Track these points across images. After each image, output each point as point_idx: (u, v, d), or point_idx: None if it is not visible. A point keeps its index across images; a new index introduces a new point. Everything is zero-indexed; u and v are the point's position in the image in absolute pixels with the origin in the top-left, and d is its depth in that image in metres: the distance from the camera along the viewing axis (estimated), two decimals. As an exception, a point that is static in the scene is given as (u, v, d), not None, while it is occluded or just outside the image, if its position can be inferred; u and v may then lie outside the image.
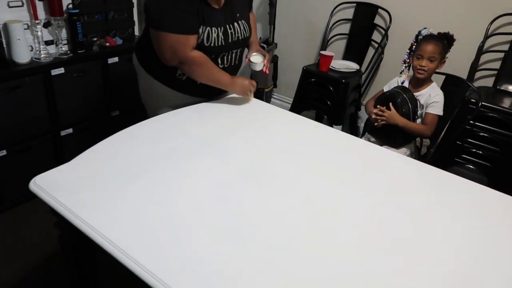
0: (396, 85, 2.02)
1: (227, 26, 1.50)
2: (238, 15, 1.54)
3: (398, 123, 1.84)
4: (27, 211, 1.98)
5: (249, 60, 1.64)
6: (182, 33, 1.39)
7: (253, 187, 1.12)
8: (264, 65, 1.65)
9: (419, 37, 1.92)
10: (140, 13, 2.50)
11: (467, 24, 2.27)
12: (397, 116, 1.84)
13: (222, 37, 1.48)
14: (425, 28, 1.94)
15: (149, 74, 1.59)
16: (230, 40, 1.52)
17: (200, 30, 1.42)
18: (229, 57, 1.58)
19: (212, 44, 1.46)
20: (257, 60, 1.64)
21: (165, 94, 1.60)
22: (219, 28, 1.46)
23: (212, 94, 1.65)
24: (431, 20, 2.38)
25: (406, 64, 2.03)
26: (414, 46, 1.95)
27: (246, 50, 1.71)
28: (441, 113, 1.86)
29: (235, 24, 1.53)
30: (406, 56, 2.02)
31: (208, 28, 1.43)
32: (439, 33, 1.89)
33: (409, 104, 1.86)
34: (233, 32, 1.52)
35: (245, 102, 1.66)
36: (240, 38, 1.56)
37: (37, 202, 1.02)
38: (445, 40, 1.87)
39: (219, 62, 1.55)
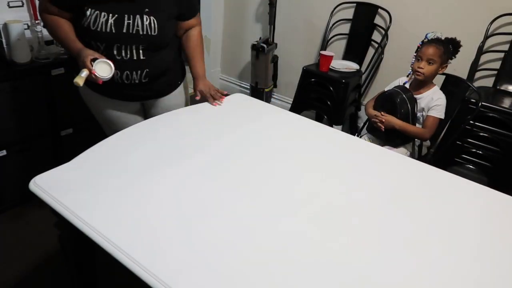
0: (398, 83, 2.02)
1: (125, 16, 1.39)
2: (146, 10, 1.41)
3: (396, 127, 1.85)
4: (27, 211, 1.98)
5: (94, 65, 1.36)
6: None
7: (253, 187, 1.12)
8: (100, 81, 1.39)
9: (424, 40, 1.92)
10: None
11: (467, 24, 2.27)
12: (394, 120, 1.86)
13: (113, 23, 1.38)
14: (432, 32, 1.93)
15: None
16: (124, 31, 1.40)
17: (88, 12, 1.36)
18: (128, 50, 1.44)
19: (99, 29, 1.37)
20: (101, 71, 1.37)
21: (99, 102, 1.58)
22: (110, 15, 1.37)
23: (144, 97, 1.59)
24: (431, 20, 2.38)
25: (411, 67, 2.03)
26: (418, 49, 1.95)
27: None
28: (442, 116, 1.87)
29: (137, 16, 1.41)
30: (413, 60, 2.00)
31: (97, 11, 1.36)
32: (446, 38, 1.88)
33: (408, 105, 1.86)
34: (130, 24, 1.40)
35: (244, 102, 1.66)
36: (140, 33, 1.42)
37: (37, 202, 1.02)
38: (451, 45, 1.85)
39: (115, 53, 1.43)
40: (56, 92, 1.99)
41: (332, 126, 2.39)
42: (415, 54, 1.97)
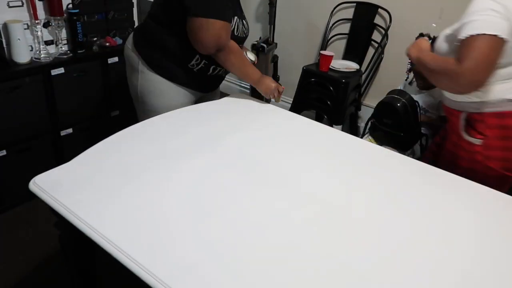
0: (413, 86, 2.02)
1: (242, 19, 1.55)
2: (242, 14, 1.58)
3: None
4: (27, 211, 1.98)
5: (245, 52, 1.66)
6: (226, 20, 1.40)
7: (253, 187, 1.12)
8: (255, 63, 1.70)
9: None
10: (140, 12, 2.50)
11: (467, 24, 2.27)
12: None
13: (242, 28, 1.54)
14: (422, 35, 1.93)
15: (153, 69, 1.55)
16: (245, 34, 1.58)
17: (234, 20, 1.47)
18: None
19: (239, 34, 1.52)
20: (251, 57, 1.70)
21: (166, 91, 1.58)
22: (240, 21, 1.52)
23: (215, 87, 1.72)
24: (431, 20, 2.38)
25: (408, 71, 2.03)
26: None
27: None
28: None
29: (243, 20, 1.58)
30: (408, 64, 2.00)
31: (237, 18, 1.49)
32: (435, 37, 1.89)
33: (409, 107, 1.87)
34: (245, 26, 1.57)
35: (244, 102, 1.66)
36: (246, 34, 1.60)
37: (37, 202, 1.02)
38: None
39: None
40: (56, 92, 2.00)
41: (332, 126, 2.39)
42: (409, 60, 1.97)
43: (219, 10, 1.38)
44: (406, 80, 2.05)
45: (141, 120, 1.46)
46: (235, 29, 1.49)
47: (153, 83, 1.57)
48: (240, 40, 1.55)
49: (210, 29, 1.39)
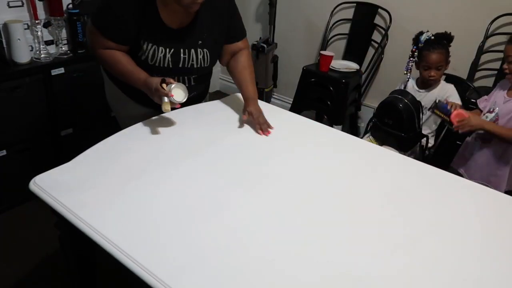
0: (409, 85, 2.02)
1: (181, 50, 1.39)
2: (200, 42, 1.41)
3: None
4: (27, 211, 1.98)
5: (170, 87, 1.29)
6: (101, 33, 1.33)
7: (252, 187, 1.12)
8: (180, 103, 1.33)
9: (420, 44, 1.91)
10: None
11: (467, 24, 2.27)
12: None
13: (170, 59, 1.38)
14: (422, 34, 1.93)
15: (111, 80, 1.53)
16: (180, 65, 1.41)
17: (145, 47, 1.35)
18: (181, 80, 1.45)
19: (157, 64, 1.38)
20: (178, 97, 1.30)
21: (126, 103, 1.54)
22: (167, 49, 1.37)
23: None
24: (431, 20, 2.38)
25: (408, 69, 2.02)
26: (415, 54, 1.94)
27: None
28: (459, 102, 1.87)
29: (192, 50, 1.41)
30: (408, 61, 2.00)
31: (155, 46, 1.35)
32: (437, 35, 1.89)
33: (412, 108, 1.86)
34: (186, 58, 1.41)
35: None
36: (194, 66, 1.43)
37: (37, 202, 1.02)
38: (445, 41, 1.88)
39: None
40: (56, 92, 2.00)
41: (332, 126, 2.39)
42: (412, 58, 1.97)
43: (102, 21, 1.33)
44: (408, 80, 2.04)
45: (122, 127, 1.42)
46: (149, 57, 1.36)
47: (114, 93, 1.55)
48: (170, 71, 1.40)
49: (87, 32, 1.41)
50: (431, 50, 1.87)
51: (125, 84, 1.43)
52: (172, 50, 1.38)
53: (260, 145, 1.34)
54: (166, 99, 1.26)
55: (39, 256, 1.74)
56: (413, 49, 1.95)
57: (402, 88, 2.04)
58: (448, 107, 1.63)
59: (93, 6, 1.40)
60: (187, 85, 1.46)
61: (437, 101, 1.72)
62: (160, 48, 1.36)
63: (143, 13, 1.31)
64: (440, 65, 1.88)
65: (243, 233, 0.95)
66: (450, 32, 1.88)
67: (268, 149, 1.32)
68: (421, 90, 1.98)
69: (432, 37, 1.89)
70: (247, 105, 1.49)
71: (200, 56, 1.43)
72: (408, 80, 2.03)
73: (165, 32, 1.35)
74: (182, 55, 1.40)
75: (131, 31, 1.33)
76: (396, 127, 1.88)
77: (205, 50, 1.43)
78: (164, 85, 1.28)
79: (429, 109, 1.86)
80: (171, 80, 1.30)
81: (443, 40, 1.88)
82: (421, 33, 1.94)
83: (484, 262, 0.94)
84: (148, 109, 1.48)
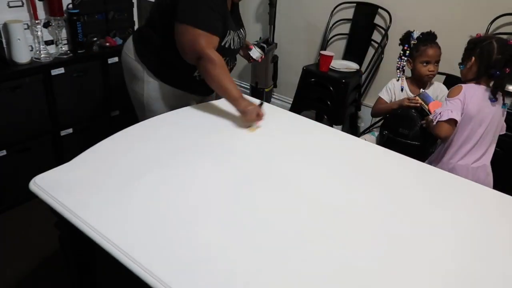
0: (394, 89, 2.01)
1: (238, 31, 1.58)
2: (240, 22, 1.63)
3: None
4: (27, 211, 1.98)
5: (254, 47, 1.77)
6: (206, 30, 1.39)
7: (252, 187, 1.12)
8: (262, 57, 1.79)
9: (412, 41, 1.91)
10: (140, 12, 2.49)
11: (467, 24, 2.27)
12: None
13: (238, 40, 1.57)
14: (411, 32, 1.93)
15: (158, 78, 1.57)
16: (241, 44, 1.61)
17: (228, 34, 1.49)
18: (234, 61, 1.66)
19: (235, 47, 1.55)
20: (259, 50, 1.79)
21: (173, 96, 1.61)
22: (237, 32, 1.56)
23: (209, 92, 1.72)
24: (431, 20, 2.37)
25: (400, 69, 2.00)
26: (407, 52, 1.94)
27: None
28: None
29: (241, 30, 1.61)
30: (398, 61, 1.99)
31: (232, 32, 1.51)
32: (427, 33, 1.89)
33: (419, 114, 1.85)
34: (241, 38, 1.60)
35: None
36: (241, 44, 1.63)
37: (37, 202, 1.02)
38: (430, 37, 1.90)
39: (229, 63, 1.61)
40: (56, 92, 2.00)
41: (332, 126, 2.39)
42: (404, 57, 1.96)
43: (204, 20, 1.39)
44: (397, 80, 2.02)
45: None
46: (231, 43, 1.52)
47: (160, 91, 1.60)
48: (236, 52, 1.61)
49: (186, 35, 1.41)
50: (429, 44, 1.86)
51: (177, 77, 1.58)
52: (236, 32, 1.56)
53: (260, 145, 1.34)
54: (255, 125, 1.44)
55: (39, 256, 1.74)
56: (405, 47, 1.94)
57: (390, 93, 2.02)
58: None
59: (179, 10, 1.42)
60: (230, 65, 1.65)
61: (421, 91, 1.82)
62: (236, 32, 1.55)
63: (224, 2, 1.45)
64: (438, 59, 1.88)
65: (242, 233, 0.95)
66: (434, 32, 1.90)
67: (268, 149, 1.32)
68: (415, 94, 1.98)
69: (421, 36, 1.90)
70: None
71: (243, 34, 1.64)
72: (402, 87, 2.00)
73: (231, 18, 1.52)
74: (240, 35, 1.60)
75: (221, 21, 1.45)
76: (412, 137, 1.84)
77: (242, 28, 1.64)
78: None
79: (415, 96, 1.88)
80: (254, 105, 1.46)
81: (429, 36, 1.89)
82: (409, 32, 1.94)
83: (484, 262, 0.94)
84: (197, 97, 1.69)
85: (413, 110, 1.85)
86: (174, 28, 1.43)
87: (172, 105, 1.61)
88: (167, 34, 1.47)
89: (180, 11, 1.40)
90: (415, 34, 1.91)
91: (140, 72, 1.58)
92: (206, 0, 1.39)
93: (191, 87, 1.63)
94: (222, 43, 1.48)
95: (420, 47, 1.89)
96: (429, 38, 1.88)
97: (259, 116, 1.42)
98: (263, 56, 1.80)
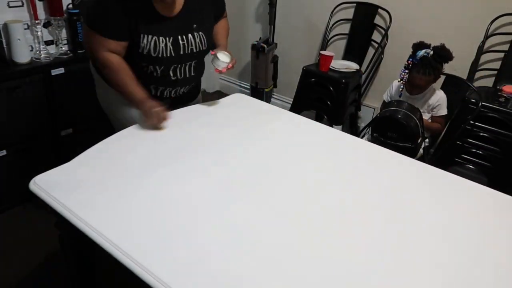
0: (396, 90, 2.03)
1: (178, 36, 1.41)
2: (194, 26, 1.44)
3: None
4: (27, 211, 1.98)
5: (215, 55, 1.49)
6: (99, 34, 1.32)
7: (252, 187, 1.12)
8: (228, 68, 1.50)
9: (416, 59, 1.92)
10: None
11: (467, 24, 2.27)
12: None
13: (171, 47, 1.40)
14: (421, 47, 1.91)
15: (107, 82, 1.48)
16: (181, 52, 1.43)
17: (145, 40, 1.35)
18: (182, 69, 1.48)
19: (160, 55, 1.38)
20: (223, 58, 1.50)
21: (123, 105, 1.49)
22: (167, 38, 1.38)
23: (178, 105, 1.57)
24: (431, 20, 2.38)
25: (403, 80, 2.03)
26: (410, 66, 1.96)
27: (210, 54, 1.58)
28: (446, 112, 1.95)
29: (189, 35, 1.43)
30: (402, 72, 2.01)
31: (155, 37, 1.36)
32: (436, 51, 1.88)
33: (413, 116, 1.84)
34: (185, 44, 1.43)
35: (244, 102, 1.66)
36: (194, 50, 1.46)
37: (37, 202, 1.02)
38: (442, 60, 1.89)
39: (171, 74, 1.46)
40: (56, 92, 2.00)
41: (332, 126, 2.39)
42: (406, 70, 1.98)
43: (98, 22, 1.32)
44: (401, 90, 2.03)
45: (116, 130, 1.41)
46: (151, 49, 1.36)
47: (113, 95, 1.50)
48: (171, 60, 1.42)
49: (85, 36, 1.38)
50: (421, 73, 1.90)
51: None
52: (171, 39, 1.39)
53: (259, 145, 1.34)
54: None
55: (39, 256, 1.74)
56: (409, 61, 1.96)
57: (393, 94, 2.04)
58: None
59: (84, 8, 1.38)
60: (187, 75, 1.51)
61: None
62: (161, 38, 1.37)
63: (138, 5, 1.31)
64: (424, 86, 1.95)
65: (243, 233, 0.95)
66: (452, 52, 1.88)
67: (268, 148, 1.32)
68: (413, 96, 2.00)
69: (431, 54, 1.88)
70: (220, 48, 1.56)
71: (197, 40, 1.46)
72: (401, 90, 2.03)
73: (162, 22, 1.36)
74: (180, 41, 1.41)
75: (127, 25, 1.32)
76: (401, 139, 1.86)
77: (200, 33, 1.46)
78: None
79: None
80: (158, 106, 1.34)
81: (440, 59, 1.88)
82: (421, 45, 1.92)
83: (483, 262, 0.94)
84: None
85: (399, 115, 1.83)
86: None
87: (131, 111, 1.48)
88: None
89: (85, 10, 1.39)
90: (421, 54, 1.89)
91: (95, 76, 1.56)
92: (104, 2, 1.31)
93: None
94: (140, 50, 1.36)
95: (413, 70, 1.93)
96: (426, 64, 1.88)
97: (160, 120, 1.35)
98: (229, 66, 1.50)
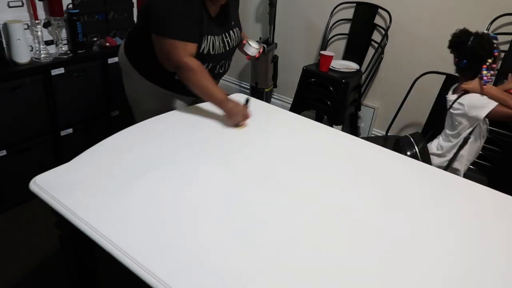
0: (477, 102, 1.70)
1: (224, 34, 1.52)
2: (232, 23, 1.56)
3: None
4: (27, 211, 1.98)
5: (247, 42, 1.66)
6: (180, 39, 1.38)
7: (252, 187, 1.12)
8: (259, 52, 1.69)
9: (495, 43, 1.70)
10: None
11: (467, 24, 2.26)
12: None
13: (222, 45, 1.51)
14: (475, 37, 1.71)
15: (143, 76, 1.59)
16: (228, 48, 1.55)
17: (206, 41, 1.45)
18: (225, 64, 1.61)
19: (216, 53, 1.50)
20: (255, 45, 1.67)
21: (159, 95, 1.61)
22: (219, 37, 1.50)
23: None
24: (431, 20, 2.38)
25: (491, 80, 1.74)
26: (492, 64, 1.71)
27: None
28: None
29: (230, 32, 1.56)
30: (487, 72, 1.71)
31: (212, 37, 1.46)
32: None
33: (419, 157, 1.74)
34: (229, 40, 1.55)
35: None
36: (234, 45, 1.60)
37: (37, 202, 1.02)
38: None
39: (217, 68, 1.58)
40: (56, 92, 2.00)
41: (332, 126, 2.39)
42: (491, 61, 1.71)
43: (177, 29, 1.37)
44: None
45: (138, 121, 1.46)
46: (211, 49, 1.47)
47: (147, 89, 1.60)
48: (221, 56, 1.54)
49: (164, 45, 1.41)
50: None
51: (161, 79, 1.56)
52: (221, 37, 1.51)
53: (260, 145, 1.34)
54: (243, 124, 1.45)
55: (39, 256, 1.74)
56: (495, 53, 1.69)
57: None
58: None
59: (152, 20, 1.41)
60: (226, 68, 1.64)
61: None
62: (216, 37, 1.48)
63: (197, 7, 1.40)
64: None
65: (243, 233, 0.95)
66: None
67: (267, 149, 1.32)
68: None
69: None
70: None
71: (236, 35, 1.59)
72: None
73: (213, 22, 1.47)
74: (226, 38, 1.53)
75: (197, 27, 1.41)
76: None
77: (236, 29, 1.59)
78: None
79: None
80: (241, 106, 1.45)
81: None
82: (467, 32, 1.71)
83: (483, 262, 0.94)
84: (188, 97, 1.65)
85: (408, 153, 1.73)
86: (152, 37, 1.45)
87: (160, 103, 1.61)
88: (149, 39, 1.47)
89: (153, 21, 1.40)
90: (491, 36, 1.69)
91: (129, 70, 1.63)
92: (177, 8, 1.36)
93: (174, 87, 1.60)
94: (200, 50, 1.45)
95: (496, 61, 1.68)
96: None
97: (244, 117, 1.44)
98: (260, 51, 1.70)
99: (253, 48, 1.66)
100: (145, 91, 1.62)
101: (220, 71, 1.62)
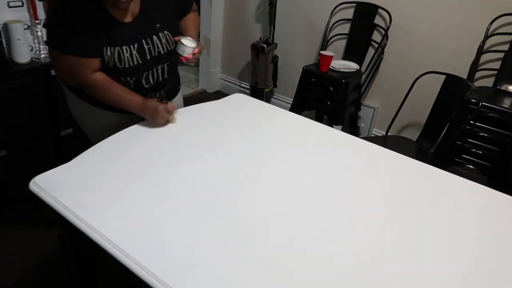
0: None
1: (143, 41, 1.31)
2: (158, 26, 1.34)
3: None
4: (27, 211, 1.98)
5: (179, 40, 1.36)
6: (80, 56, 1.22)
7: (253, 187, 1.12)
8: (194, 53, 1.37)
9: None
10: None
11: (467, 24, 2.27)
12: None
13: (137, 55, 1.30)
14: None
15: (75, 94, 1.41)
16: (148, 57, 1.33)
17: (109, 52, 1.25)
18: (154, 75, 1.39)
19: (127, 65, 1.28)
20: (188, 43, 1.37)
21: (97, 115, 1.42)
22: (131, 46, 1.28)
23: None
24: (431, 20, 2.38)
25: None
26: None
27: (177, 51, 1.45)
28: None
29: (154, 37, 1.34)
30: None
31: (118, 48, 1.26)
32: None
33: None
34: (151, 48, 1.33)
35: (244, 102, 1.66)
36: (162, 52, 1.36)
37: (37, 202, 1.02)
38: None
39: (144, 82, 1.36)
40: (56, 92, 1.99)
41: (332, 126, 2.39)
42: None
43: (71, 44, 1.21)
44: None
45: (92, 139, 1.37)
46: (116, 61, 1.27)
47: (80, 107, 1.44)
48: (141, 67, 1.33)
49: (61, 63, 1.26)
50: None
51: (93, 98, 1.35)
52: (136, 45, 1.29)
53: (260, 145, 1.34)
54: (173, 116, 1.37)
55: (39, 256, 1.74)
56: None
57: None
58: None
59: (48, 34, 1.22)
60: (161, 79, 1.42)
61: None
62: (124, 48, 1.27)
63: (95, 16, 1.22)
64: None
65: (243, 232, 0.95)
66: None
67: (268, 148, 1.32)
68: None
69: None
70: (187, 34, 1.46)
71: (163, 40, 1.36)
72: None
73: (123, 29, 1.27)
74: (145, 46, 1.31)
75: (95, 38, 1.23)
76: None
77: (165, 32, 1.36)
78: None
79: None
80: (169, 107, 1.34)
81: None
82: None
83: (483, 262, 0.94)
84: (124, 114, 1.40)
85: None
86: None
87: (97, 123, 1.44)
88: None
89: (48, 34, 1.23)
90: None
91: (63, 85, 1.47)
92: (72, 18, 1.19)
93: (110, 106, 1.38)
94: (105, 63, 1.27)
95: None
96: None
97: (169, 112, 1.34)
98: (195, 51, 1.37)
99: (185, 47, 1.36)
100: (85, 110, 1.43)
101: (152, 83, 1.39)
